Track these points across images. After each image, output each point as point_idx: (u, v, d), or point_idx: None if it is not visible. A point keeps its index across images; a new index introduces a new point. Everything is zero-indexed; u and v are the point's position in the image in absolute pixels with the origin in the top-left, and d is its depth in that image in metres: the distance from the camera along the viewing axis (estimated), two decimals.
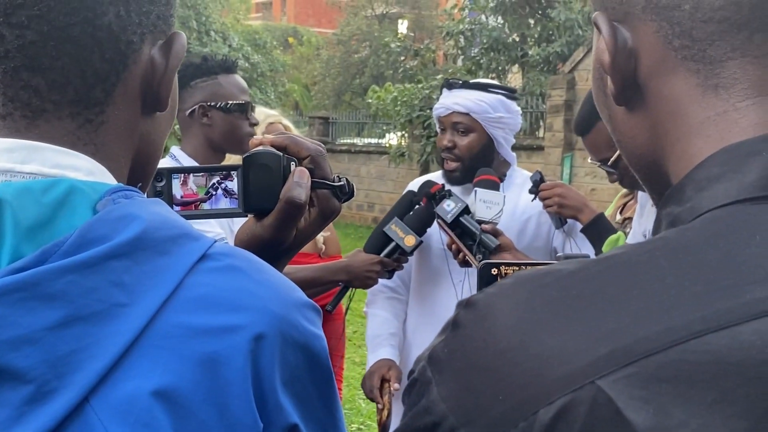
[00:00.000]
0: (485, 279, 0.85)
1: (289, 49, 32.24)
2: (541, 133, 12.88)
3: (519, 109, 2.56)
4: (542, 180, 2.43)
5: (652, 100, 0.67)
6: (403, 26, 30.34)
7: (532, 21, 14.84)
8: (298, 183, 0.93)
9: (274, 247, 0.94)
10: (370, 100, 14.71)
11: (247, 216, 0.96)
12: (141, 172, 0.79)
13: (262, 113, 2.75)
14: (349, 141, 16.70)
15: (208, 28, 21.48)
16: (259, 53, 24.03)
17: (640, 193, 2.31)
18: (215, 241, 0.69)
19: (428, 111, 13.06)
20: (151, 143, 0.79)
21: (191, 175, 0.94)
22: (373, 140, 16.65)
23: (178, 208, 0.93)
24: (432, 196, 2.36)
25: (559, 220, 2.45)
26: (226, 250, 0.69)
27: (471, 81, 2.57)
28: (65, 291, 0.60)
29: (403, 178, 14.28)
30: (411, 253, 2.35)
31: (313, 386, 0.69)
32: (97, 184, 0.68)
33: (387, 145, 14.75)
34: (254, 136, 0.97)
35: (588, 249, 2.35)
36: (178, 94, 2.71)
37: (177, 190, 0.94)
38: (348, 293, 2.37)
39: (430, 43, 19.22)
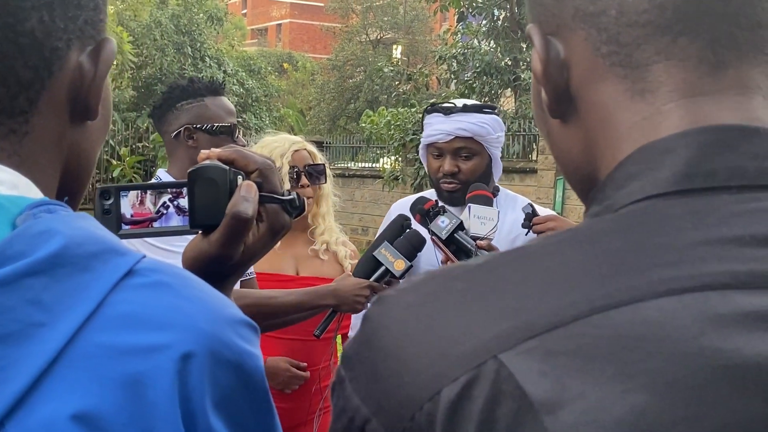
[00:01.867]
0: None
1: (284, 75, 32.35)
2: (534, 156, 12.92)
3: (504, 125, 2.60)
4: (534, 212, 2.39)
5: (584, 109, 0.67)
6: (397, 51, 30.48)
7: (523, 45, 14.93)
8: (245, 197, 0.90)
9: (221, 263, 0.92)
10: (363, 125, 14.74)
11: (195, 233, 0.94)
12: (72, 185, 0.76)
13: (286, 141, 2.62)
14: (343, 165, 16.73)
15: (203, 53, 21.55)
16: (253, 79, 24.09)
17: None
18: (144, 256, 0.66)
19: (421, 135, 12.98)
20: (81, 154, 0.75)
21: (148, 194, 0.92)
22: (368, 164, 16.67)
23: (128, 227, 0.92)
24: (426, 212, 2.34)
25: None
26: (155, 266, 0.65)
27: (467, 104, 2.55)
28: None
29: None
30: (401, 277, 2.34)
31: (247, 406, 0.66)
32: (19, 199, 0.65)
33: (381, 169, 14.76)
34: (203, 152, 0.95)
35: None
36: (165, 116, 2.65)
37: (127, 209, 0.92)
38: (336, 318, 2.36)
39: (423, 67, 19.28)
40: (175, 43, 21.13)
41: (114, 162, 15.92)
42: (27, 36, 0.67)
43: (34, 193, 0.67)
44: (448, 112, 2.52)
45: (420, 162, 13.13)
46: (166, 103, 2.37)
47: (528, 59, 14.62)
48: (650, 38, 0.63)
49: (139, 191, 0.92)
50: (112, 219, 0.90)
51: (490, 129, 2.48)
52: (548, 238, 0.60)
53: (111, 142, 16.77)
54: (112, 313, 0.61)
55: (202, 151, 0.95)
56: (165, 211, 0.92)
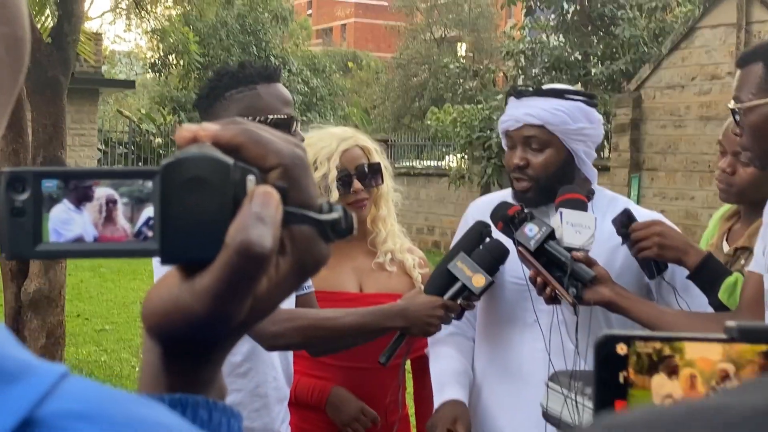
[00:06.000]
0: (606, 359, 0.58)
1: (348, 74, 32.33)
2: (606, 153, 12.48)
3: (600, 117, 2.20)
4: (631, 218, 2.02)
5: None
6: (461, 49, 30.18)
7: (595, 39, 14.49)
8: (260, 215, 0.53)
9: (212, 326, 0.55)
10: (429, 122, 14.49)
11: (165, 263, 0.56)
12: None
13: (333, 138, 2.23)
14: (408, 164, 16.48)
15: (269, 53, 21.61)
16: (318, 78, 24.09)
17: (767, 209, 1.88)
18: (63, 375, 0.39)
19: (488, 132, 12.81)
20: None
21: (120, 204, 0.55)
22: (433, 162, 16.40)
23: (56, 242, 0.55)
24: (510, 219, 2.00)
25: (653, 268, 2.02)
26: (73, 404, 0.38)
27: (544, 87, 2.21)
28: None
29: (464, 200, 14.00)
30: (481, 294, 2.03)
31: None
32: None
33: (447, 167, 14.49)
34: (184, 125, 0.57)
35: (693, 296, 2.03)
36: (212, 107, 2.29)
37: (61, 220, 0.54)
38: (405, 342, 2.04)
39: (489, 63, 18.93)
40: (240, 42, 21.21)
41: None
42: None
43: None
44: (520, 94, 2.17)
45: (487, 160, 12.84)
46: (213, 92, 2.04)
47: (599, 53, 14.16)
48: None
49: (80, 180, 0.55)
50: (27, 225, 0.54)
51: (566, 117, 2.09)
52: None
53: None
54: None
55: (184, 126, 0.58)
56: (152, 234, 0.55)
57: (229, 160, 0.54)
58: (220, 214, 0.54)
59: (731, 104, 1.87)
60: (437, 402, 2.16)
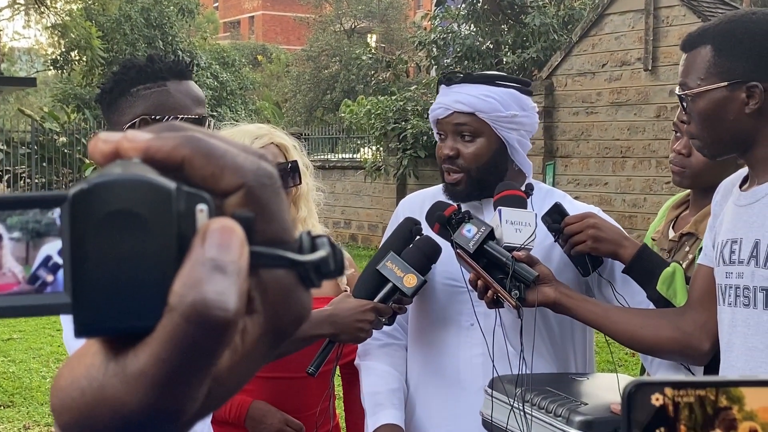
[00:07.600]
0: (639, 413, 0.45)
1: (258, 67, 31.99)
2: None
3: (535, 105, 2.10)
4: (563, 212, 1.93)
5: None
6: (372, 40, 30.21)
7: (505, 27, 14.58)
8: (217, 262, 0.38)
9: (155, 424, 0.39)
10: (343, 114, 14.38)
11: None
12: None
13: (246, 135, 2.06)
14: (322, 157, 16.33)
15: (175, 47, 21.14)
16: (228, 72, 23.74)
17: (715, 199, 1.86)
18: None
19: (403, 123, 12.77)
20: None
21: (6, 239, 0.40)
22: (348, 155, 16.28)
23: None
24: (447, 220, 1.88)
25: (587, 264, 1.92)
26: None
27: (475, 73, 2.10)
28: None
29: (380, 192, 13.94)
30: (413, 295, 1.92)
31: None
32: None
33: (362, 159, 14.39)
34: (100, 135, 0.41)
35: (633, 291, 1.94)
36: (116, 102, 2.11)
37: None
38: (335, 350, 1.91)
39: (402, 53, 18.92)
40: (145, 37, 20.70)
41: (87, 161, 15.46)
42: None
43: None
44: (450, 82, 2.07)
45: (403, 151, 12.79)
46: (118, 86, 1.86)
47: (510, 42, 14.26)
48: None
49: None
50: None
51: (497, 104, 1.99)
52: None
53: (83, 140, 16.29)
54: None
55: (100, 136, 0.41)
56: (52, 278, 0.40)
57: (170, 184, 0.39)
58: (159, 263, 0.38)
59: (677, 90, 1.78)
60: (371, 425, 2.03)
